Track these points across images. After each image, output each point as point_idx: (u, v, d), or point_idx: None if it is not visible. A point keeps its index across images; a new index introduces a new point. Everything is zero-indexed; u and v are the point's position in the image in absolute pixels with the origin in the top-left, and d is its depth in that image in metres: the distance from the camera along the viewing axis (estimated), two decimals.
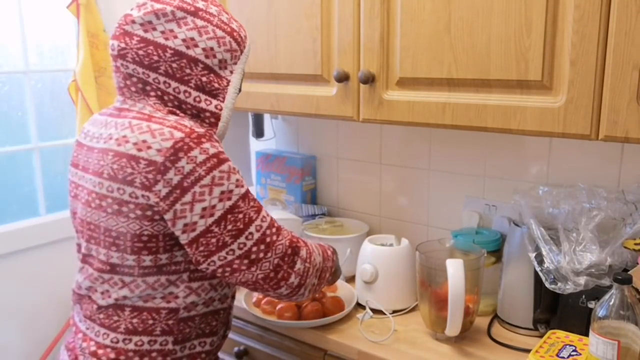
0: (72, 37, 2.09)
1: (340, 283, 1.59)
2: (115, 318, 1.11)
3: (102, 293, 1.12)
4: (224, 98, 1.12)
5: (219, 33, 1.11)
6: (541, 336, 1.25)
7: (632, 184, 1.35)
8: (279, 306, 1.45)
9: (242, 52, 1.15)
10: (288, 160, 1.96)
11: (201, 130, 1.05)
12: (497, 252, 1.47)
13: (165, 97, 1.09)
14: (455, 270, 1.24)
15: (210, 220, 1.03)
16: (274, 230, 1.09)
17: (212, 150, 1.03)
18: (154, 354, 1.11)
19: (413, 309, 1.49)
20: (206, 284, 1.14)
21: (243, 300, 1.52)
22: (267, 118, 2.07)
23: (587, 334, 1.09)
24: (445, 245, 1.44)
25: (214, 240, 1.04)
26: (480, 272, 1.33)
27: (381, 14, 1.33)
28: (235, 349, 1.56)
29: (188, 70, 1.08)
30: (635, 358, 1.02)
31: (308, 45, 1.49)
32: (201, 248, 1.05)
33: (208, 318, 1.17)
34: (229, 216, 1.04)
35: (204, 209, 1.02)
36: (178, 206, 1.02)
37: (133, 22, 1.08)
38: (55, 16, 2.06)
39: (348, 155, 1.91)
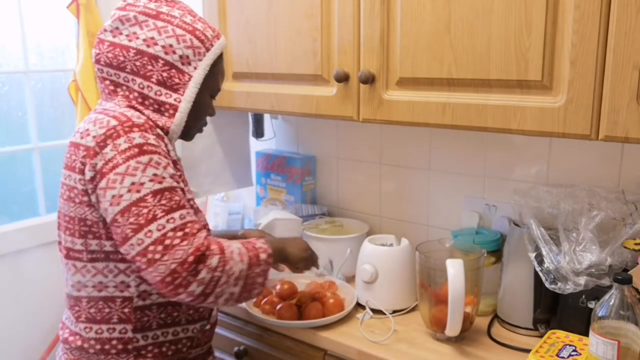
0: (72, 37, 2.09)
1: (340, 283, 1.59)
2: (77, 308, 1.18)
3: (65, 280, 1.20)
4: (184, 92, 1.18)
5: (179, 32, 1.18)
6: (541, 336, 1.25)
7: (632, 184, 1.35)
8: (279, 306, 1.45)
9: (207, 49, 1.21)
10: (288, 160, 1.96)
11: (140, 120, 1.11)
12: (497, 252, 1.47)
13: (131, 95, 1.18)
14: (455, 270, 1.24)
15: (117, 209, 1.06)
16: (179, 234, 1.06)
17: (137, 140, 1.08)
18: (114, 342, 1.16)
19: (413, 309, 1.49)
20: None
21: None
22: (267, 118, 2.07)
23: (587, 334, 1.09)
24: (445, 245, 1.44)
25: (119, 230, 1.06)
26: (480, 272, 1.33)
27: (381, 14, 1.33)
28: (235, 349, 1.56)
29: (150, 67, 1.16)
30: (635, 358, 1.02)
31: (308, 46, 1.49)
32: (115, 236, 1.09)
33: (168, 308, 1.20)
34: (133, 209, 1.05)
35: (113, 196, 1.06)
36: (98, 190, 1.08)
37: (105, 30, 1.20)
38: (55, 16, 2.06)
39: (348, 155, 1.91)
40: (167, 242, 1.05)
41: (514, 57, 1.15)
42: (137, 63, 1.16)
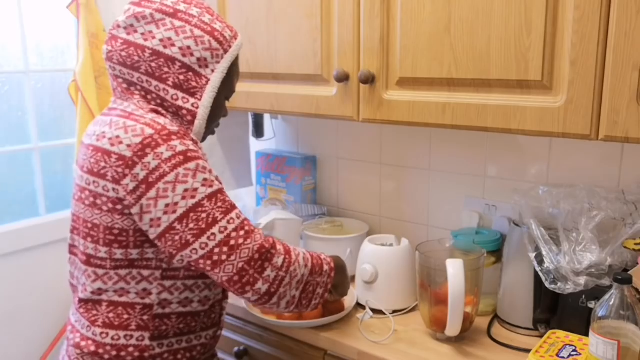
0: (72, 37, 2.09)
1: None
2: (94, 312, 1.14)
3: (82, 285, 1.16)
4: (201, 96, 1.15)
5: (197, 32, 1.14)
6: (541, 336, 1.25)
7: (632, 184, 1.35)
8: None
9: (225, 51, 1.17)
10: (288, 160, 1.96)
11: (174, 128, 1.08)
12: (497, 252, 1.47)
13: (149, 96, 1.14)
14: (455, 270, 1.24)
15: (173, 217, 1.05)
16: (241, 233, 1.07)
17: (179, 148, 1.05)
18: (130, 349, 1.13)
19: (413, 309, 1.49)
20: (179, 283, 1.16)
21: (243, 300, 1.52)
22: (267, 118, 2.07)
23: (587, 334, 1.09)
24: (445, 245, 1.44)
25: (177, 237, 1.05)
26: (480, 272, 1.33)
27: (381, 14, 1.33)
28: (235, 349, 1.56)
29: (166, 69, 1.12)
30: (635, 358, 1.02)
31: (308, 45, 1.49)
32: (169, 244, 1.07)
33: (187, 319, 1.18)
34: (192, 214, 1.05)
35: (167, 205, 1.04)
36: (144, 201, 1.05)
37: (118, 26, 1.15)
38: (55, 16, 2.06)
39: (348, 155, 1.91)
40: (232, 242, 1.06)
41: (514, 57, 1.15)
42: (153, 64, 1.11)
